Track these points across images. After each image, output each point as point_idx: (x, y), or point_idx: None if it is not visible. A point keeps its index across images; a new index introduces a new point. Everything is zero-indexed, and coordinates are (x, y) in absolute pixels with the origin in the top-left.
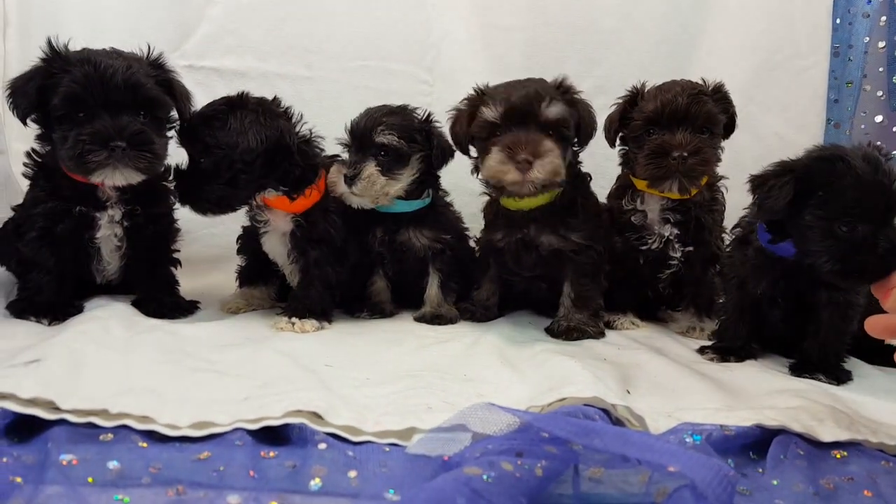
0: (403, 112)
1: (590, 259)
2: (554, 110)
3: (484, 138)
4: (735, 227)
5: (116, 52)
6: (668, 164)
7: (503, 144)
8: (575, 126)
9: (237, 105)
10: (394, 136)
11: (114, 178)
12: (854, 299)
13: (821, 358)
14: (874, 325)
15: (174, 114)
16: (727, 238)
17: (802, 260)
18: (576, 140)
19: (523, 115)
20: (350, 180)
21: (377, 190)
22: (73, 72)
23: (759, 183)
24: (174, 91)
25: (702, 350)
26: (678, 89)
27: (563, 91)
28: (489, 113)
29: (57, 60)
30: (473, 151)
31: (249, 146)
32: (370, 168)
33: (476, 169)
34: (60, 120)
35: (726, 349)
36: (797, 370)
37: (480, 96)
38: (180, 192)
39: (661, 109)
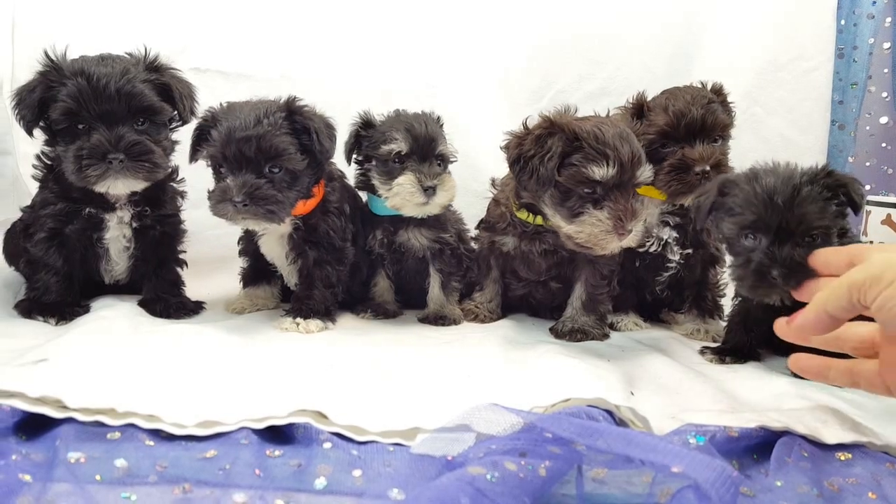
0: (438, 121)
1: (611, 260)
2: (647, 174)
3: (573, 187)
4: None
5: (112, 59)
6: (692, 179)
7: (613, 213)
8: None
9: (295, 110)
10: (451, 146)
11: (116, 188)
12: None
13: None
14: (799, 365)
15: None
16: None
17: None
18: None
19: (628, 179)
20: (432, 191)
21: (452, 199)
22: (68, 85)
23: (695, 199)
24: (172, 94)
25: (702, 351)
26: (688, 98)
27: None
28: (599, 172)
29: (53, 73)
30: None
31: (334, 148)
32: (451, 179)
33: (518, 196)
34: (62, 133)
35: (725, 350)
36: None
37: (572, 140)
38: (267, 209)
39: (675, 122)
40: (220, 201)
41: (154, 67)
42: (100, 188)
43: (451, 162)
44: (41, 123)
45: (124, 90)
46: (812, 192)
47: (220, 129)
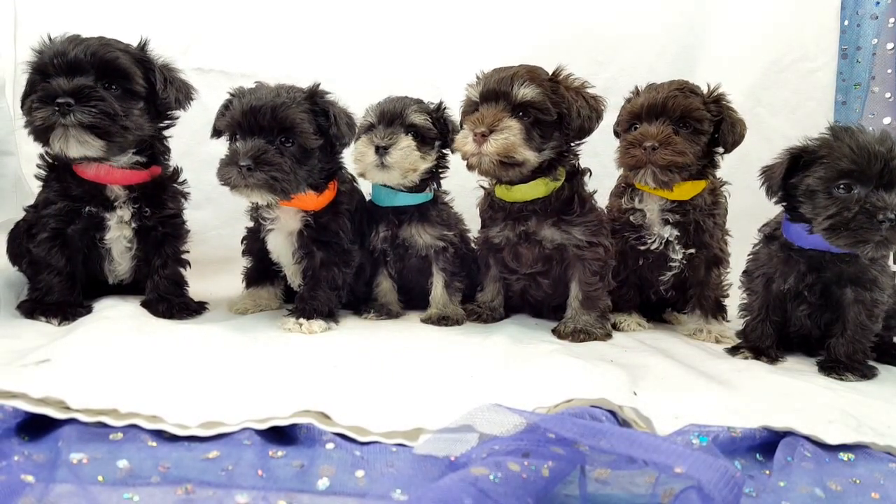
0: (423, 102)
1: (598, 256)
2: (525, 91)
3: (468, 115)
4: (764, 225)
5: (102, 38)
6: (639, 154)
7: (469, 121)
8: (559, 115)
9: (317, 94)
10: (426, 117)
11: (68, 145)
12: (879, 297)
13: (848, 355)
14: None
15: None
16: (731, 241)
17: (823, 250)
18: (567, 131)
19: (497, 94)
20: (384, 151)
21: (411, 162)
22: (46, 52)
23: (764, 169)
24: (154, 71)
25: (735, 350)
26: (665, 86)
27: (552, 79)
28: (471, 92)
29: (44, 48)
30: None
31: (351, 137)
32: (407, 139)
33: None
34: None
35: (758, 349)
36: (826, 370)
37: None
38: (272, 175)
39: (643, 104)
40: (226, 164)
41: (140, 48)
42: (54, 147)
43: (431, 135)
44: None
45: (91, 49)
46: None
47: (243, 100)
